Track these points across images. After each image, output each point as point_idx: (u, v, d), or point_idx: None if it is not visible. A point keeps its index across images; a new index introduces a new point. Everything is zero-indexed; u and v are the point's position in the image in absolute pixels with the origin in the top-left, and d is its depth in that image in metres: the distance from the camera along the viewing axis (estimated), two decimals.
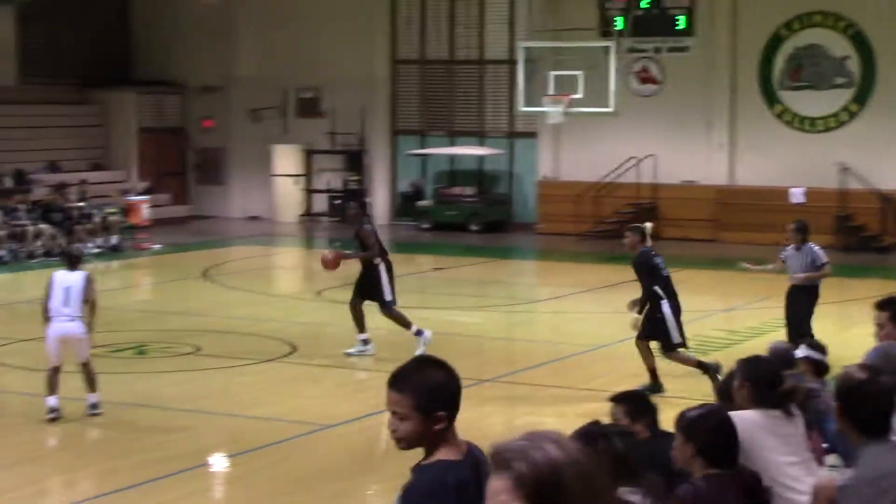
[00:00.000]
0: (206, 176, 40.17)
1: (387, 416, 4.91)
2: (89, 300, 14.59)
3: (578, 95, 30.84)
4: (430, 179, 37.65)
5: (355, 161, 38.13)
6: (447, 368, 5.04)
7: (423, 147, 37.47)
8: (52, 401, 14.22)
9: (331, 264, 19.13)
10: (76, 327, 14.39)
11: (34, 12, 37.14)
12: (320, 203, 38.75)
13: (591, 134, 34.43)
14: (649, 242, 16.15)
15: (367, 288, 18.59)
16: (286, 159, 39.25)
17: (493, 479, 3.69)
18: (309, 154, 38.99)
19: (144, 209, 33.38)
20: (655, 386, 15.48)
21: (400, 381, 4.98)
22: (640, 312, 15.98)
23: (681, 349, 15.89)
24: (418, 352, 17.73)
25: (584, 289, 25.91)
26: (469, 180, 37.04)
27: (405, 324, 18.59)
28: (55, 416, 14.19)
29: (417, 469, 4.99)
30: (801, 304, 16.71)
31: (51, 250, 29.66)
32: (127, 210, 33.20)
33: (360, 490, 12.49)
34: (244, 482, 12.78)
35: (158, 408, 15.40)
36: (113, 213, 32.77)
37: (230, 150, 39.83)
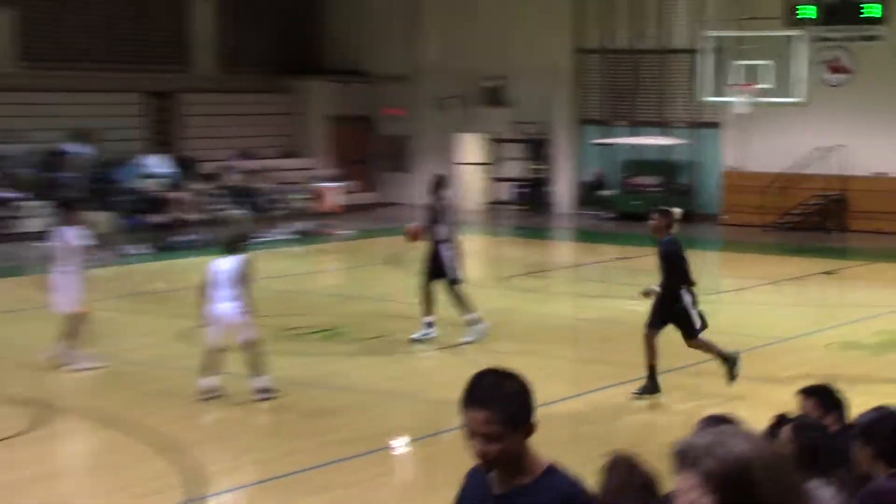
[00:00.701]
0: (392, 163, 40.56)
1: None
2: (245, 283, 14.89)
3: (764, 86, 30.55)
4: (613, 169, 37.49)
5: (539, 150, 38.17)
6: (519, 376, 4.50)
7: (606, 136, 37.31)
8: (208, 382, 14.58)
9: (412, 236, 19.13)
10: (231, 310, 14.69)
11: (231, 5, 37.86)
12: (504, 191, 38.85)
13: (777, 124, 33.95)
14: (676, 229, 15.48)
15: (434, 267, 18.38)
16: (470, 148, 39.45)
17: (679, 476, 3.70)
18: (493, 143, 39.11)
19: (332, 196, 33.86)
20: (653, 386, 14.86)
21: (485, 398, 4.37)
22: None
23: (703, 336, 15.14)
24: (468, 339, 17.69)
25: (769, 281, 25.59)
26: (652, 170, 36.77)
27: (466, 307, 18.48)
28: (212, 397, 14.58)
29: (571, 485, 4.54)
30: None
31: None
32: (315, 196, 33.72)
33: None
34: (427, 465, 12.92)
35: (346, 389, 15.65)
36: (300, 200, 33.32)
37: (416, 139, 40.15)
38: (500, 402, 4.35)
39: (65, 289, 16.64)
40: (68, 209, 18.79)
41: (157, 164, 34.18)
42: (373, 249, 29.98)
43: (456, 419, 13.29)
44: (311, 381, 16.11)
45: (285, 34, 40.04)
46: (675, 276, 14.88)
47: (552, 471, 4.48)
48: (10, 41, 33.55)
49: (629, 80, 37.46)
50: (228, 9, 38.05)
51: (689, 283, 15.14)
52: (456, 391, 13.44)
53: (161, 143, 36.26)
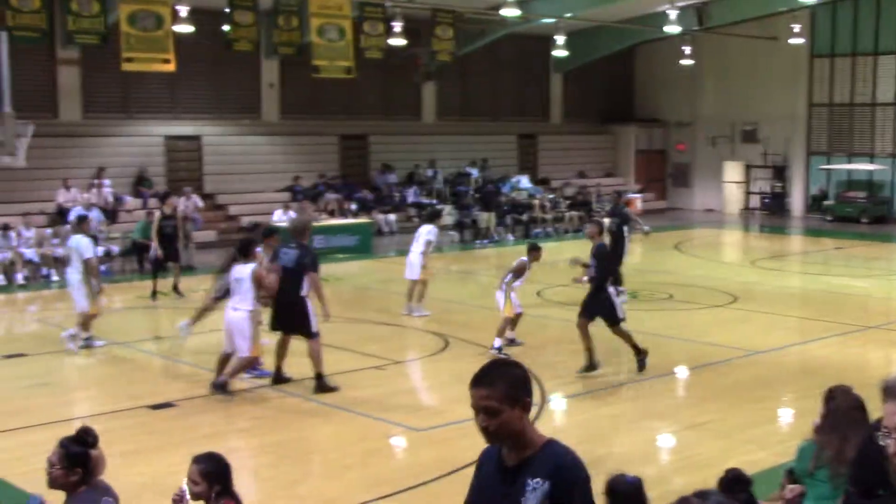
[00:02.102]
0: (678, 181, 40.09)
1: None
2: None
3: None
4: (833, 186, 35.92)
5: (780, 173, 37.00)
6: (521, 365, 3.95)
7: (828, 163, 35.77)
8: (499, 342, 13.86)
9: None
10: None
11: (572, 75, 38.08)
12: (755, 201, 37.90)
13: None
14: (606, 239, 13.78)
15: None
16: (732, 171, 38.42)
17: (887, 404, 3.62)
18: (748, 168, 38.06)
19: (638, 202, 33.70)
20: (591, 366, 12.74)
21: (486, 377, 3.81)
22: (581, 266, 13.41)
23: (623, 325, 13.02)
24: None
25: None
26: (861, 187, 34.97)
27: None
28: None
29: (563, 455, 3.85)
30: None
31: (578, 229, 30.61)
32: (626, 203, 33.59)
33: (776, 396, 12.24)
34: (696, 386, 12.82)
35: (643, 333, 15.56)
36: (621, 204, 33.26)
37: (694, 165, 39.46)
38: (498, 382, 3.77)
39: (414, 265, 17.01)
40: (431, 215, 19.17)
41: (524, 181, 34.78)
42: (664, 239, 29.67)
43: (716, 356, 13.08)
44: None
45: (607, 94, 39.94)
46: (603, 273, 12.77)
47: (551, 443, 3.88)
48: (438, 103, 34.70)
49: (847, 124, 35.71)
50: (570, 78, 38.24)
51: (615, 279, 13.25)
52: (718, 337, 13.29)
53: (526, 167, 36.85)
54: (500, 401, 3.75)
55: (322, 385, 11.79)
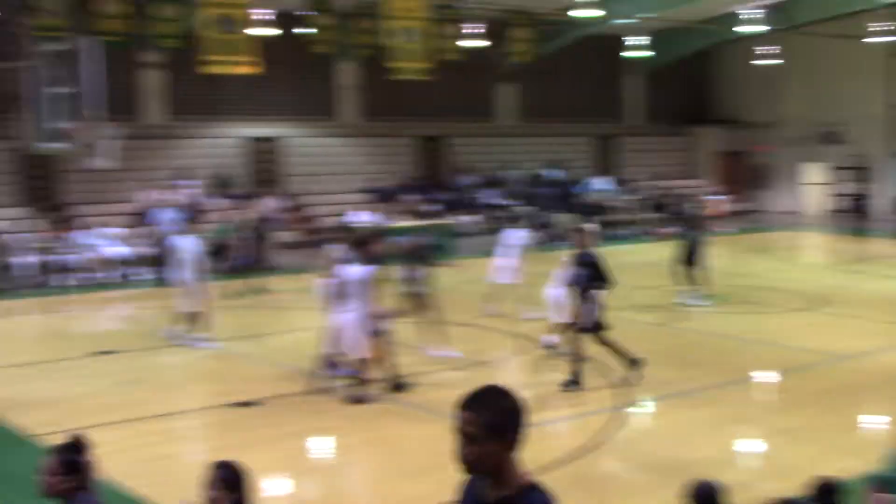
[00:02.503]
0: (758, 183, 39.52)
1: None
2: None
3: None
4: None
5: (862, 174, 36.29)
6: (517, 397, 3.47)
7: None
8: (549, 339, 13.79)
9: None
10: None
11: (650, 77, 37.78)
12: (838, 203, 37.18)
13: None
14: (591, 247, 12.81)
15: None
16: (813, 173, 37.79)
17: None
18: (830, 169, 37.35)
19: (717, 205, 33.30)
20: (574, 382, 12.02)
21: (474, 402, 3.39)
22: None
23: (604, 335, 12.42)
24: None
25: None
26: None
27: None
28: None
29: (527, 497, 3.42)
30: None
31: (655, 231, 30.44)
32: (705, 205, 33.24)
33: (866, 402, 11.98)
34: (784, 393, 12.61)
35: (729, 337, 15.46)
36: (696, 207, 32.89)
37: (775, 167, 38.85)
38: (485, 409, 3.37)
39: (506, 267, 16.84)
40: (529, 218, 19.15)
41: (601, 183, 34.57)
42: (746, 241, 29.28)
43: (804, 359, 12.77)
44: (703, 330, 16.00)
45: (686, 95, 39.55)
46: (588, 281, 12.06)
47: (532, 490, 3.46)
48: (515, 105, 34.67)
49: None
50: (649, 79, 37.93)
51: (600, 286, 12.26)
52: (805, 341, 13.03)
53: (604, 169, 36.62)
54: (482, 429, 3.36)
55: (396, 386, 11.92)
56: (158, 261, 19.76)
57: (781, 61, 36.05)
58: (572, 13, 26.81)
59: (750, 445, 10.27)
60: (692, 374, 12.92)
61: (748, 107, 39.15)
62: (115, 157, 14.16)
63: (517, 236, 17.17)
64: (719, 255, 28.79)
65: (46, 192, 25.89)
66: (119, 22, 23.23)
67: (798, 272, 23.26)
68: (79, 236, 21.68)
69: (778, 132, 38.27)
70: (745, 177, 39.67)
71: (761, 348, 14.71)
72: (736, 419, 11.01)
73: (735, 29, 30.60)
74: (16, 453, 9.94)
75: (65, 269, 21.21)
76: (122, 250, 21.99)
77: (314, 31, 26.14)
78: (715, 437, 10.28)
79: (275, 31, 25.51)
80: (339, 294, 11.50)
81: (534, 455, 9.32)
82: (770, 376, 13.22)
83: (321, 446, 10.08)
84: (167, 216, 23.08)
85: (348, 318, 11.38)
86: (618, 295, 18.80)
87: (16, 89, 15.54)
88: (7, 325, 17.75)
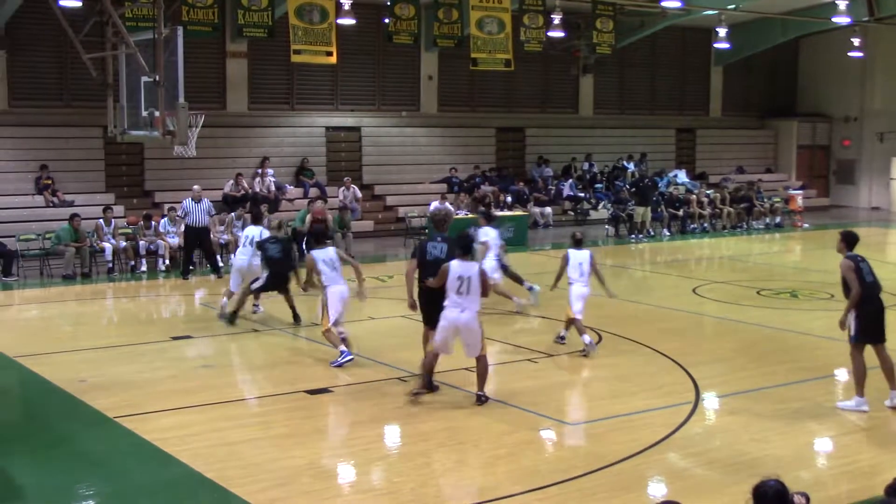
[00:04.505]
0: (842, 178, 38.68)
1: None
2: (595, 272, 13.68)
3: None
4: None
5: None
6: None
7: None
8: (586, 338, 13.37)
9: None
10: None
11: (732, 68, 37.15)
12: None
13: None
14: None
15: None
16: None
17: None
18: None
19: (800, 199, 32.66)
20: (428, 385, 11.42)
21: None
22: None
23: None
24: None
25: None
26: None
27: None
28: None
29: None
30: None
31: (736, 225, 29.98)
32: (787, 199, 32.64)
33: None
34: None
35: (803, 333, 15.14)
36: (777, 202, 32.32)
37: (861, 161, 37.94)
38: None
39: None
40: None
41: (681, 176, 34.14)
42: (825, 238, 28.63)
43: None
44: (777, 325, 15.70)
45: (769, 87, 38.82)
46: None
47: None
48: (593, 95, 34.40)
49: None
50: (731, 71, 37.32)
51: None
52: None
53: (684, 162, 36.17)
54: None
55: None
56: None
57: (867, 53, 35.07)
58: (657, 4, 26.46)
59: (824, 444, 10.04)
60: (767, 370, 12.72)
61: (832, 100, 38.29)
62: (191, 144, 14.38)
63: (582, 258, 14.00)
64: (799, 249, 28.44)
65: (133, 178, 26.42)
66: (206, 12, 23.53)
67: (879, 269, 22.52)
68: (163, 223, 22.05)
69: (865, 125, 37.42)
70: (829, 171, 38.91)
71: (837, 346, 14.31)
72: (810, 417, 10.76)
73: (819, 20, 29.94)
74: (94, 434, 10.16)
75: (149, 254, 21.60)
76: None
77: (395, 20, 26.17)
78: (787, 435, 10.06)
79: (355, 21, 25.69)
80: (455, 289, 10.85)
81: (602, 448, 9.33)
82: (845, 374, 12.91)
83: (389, 434, 10.11)
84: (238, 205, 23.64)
85: (465, 316, 10.83)
86: (694, 289, 18.70)
87: (105, 78, 15.81)
88: (92, 308, 18.14)
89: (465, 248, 11.02)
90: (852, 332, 11.00)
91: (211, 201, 21.47)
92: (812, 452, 9.86)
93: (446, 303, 10.84)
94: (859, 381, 10.94)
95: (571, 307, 13.51)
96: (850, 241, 11.37)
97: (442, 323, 10.87)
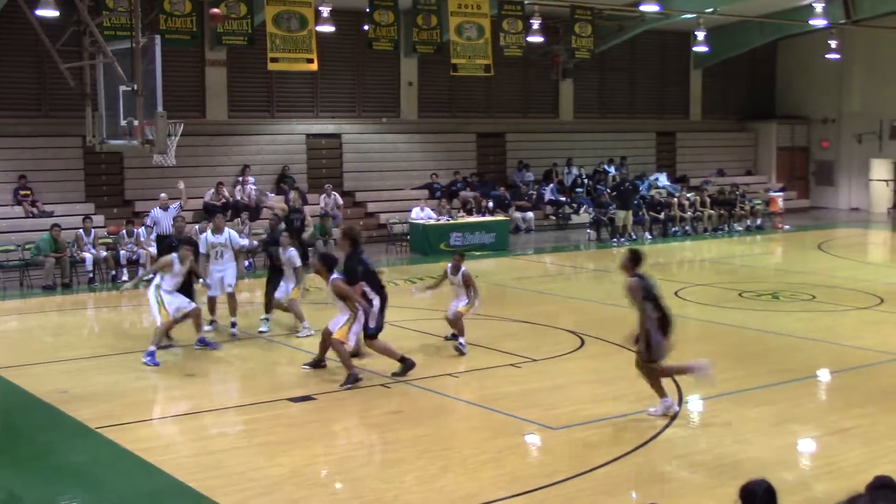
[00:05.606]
0: (822, 179, 38.88)
1: None
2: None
3: None
4: None
5: None
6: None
7: None
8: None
9: None
10: None
11: (711, 71, 37.34)
12: None
13: None
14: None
15: None
16: (879, 169, 36.98)
17: None
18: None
19: (780, 201, 32.81)
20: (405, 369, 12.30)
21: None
22: None
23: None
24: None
25: None
26: None
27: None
28: None
29: None
30: None
31: (717, 228, 30.14)
32: (768, 202, 32.79)
33: None
34: (841, 392, 12.35)
35: (785, 335, 15.19)
36: (757, 204, 32.45)
37: (839, 163, 38.16)
38: None
39: None
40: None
41: (662, 179, 34.26)
42: (805, 239, 28.81)
43: (861, 360, 12.48)
44: (759, 327, 15.74)
45: (748, 90, 39.01)
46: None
47: None
48: (573, 100, 34.44)
49: None
50: (710, 74, 37.48)
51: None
52: (863, 340, 12.76)
53: (665, 165, 36.30)
54: None
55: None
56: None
57: (844, 55, 35.28)
58: (635, 8, 26.52)
59: (806, 445, 10.08)
60: (749, 372, 12.73)
61: (811, 102, 38.48)
62: (171, 153, 14.31)
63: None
64: (780, 251, 28.56)
65: (113, 188, 26.32)
66: (184, 20, 23.48)
67: (859, 270, 22.80)
68: (143, 232, 21.94)
69: (843, 127, 37.63)
70: (808, 173, 39.11)
71: (819, 347, 14.45)
72: (792, 418, 10.80)
73: (796, 23, 30.11)
74: (76, 445, 10.10)
75: (130, 264, 21.50)
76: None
77: (375, 27, 26.17)
78: (771, 437, 10.10)
79: (334, 28, 25.66)
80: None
81: (586, 452, 9.33)
82: (827, 375, 12.98)
83: (374, 441, 10.09)
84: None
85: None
86: (676, 292, 18.73)
87: (83, 88, 15.75)
88: (73, 318, 18.05)
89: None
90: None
91: (190, 210, 21.27)
92: (795, 454, 9.89)
93: None
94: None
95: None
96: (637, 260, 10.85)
97: None
